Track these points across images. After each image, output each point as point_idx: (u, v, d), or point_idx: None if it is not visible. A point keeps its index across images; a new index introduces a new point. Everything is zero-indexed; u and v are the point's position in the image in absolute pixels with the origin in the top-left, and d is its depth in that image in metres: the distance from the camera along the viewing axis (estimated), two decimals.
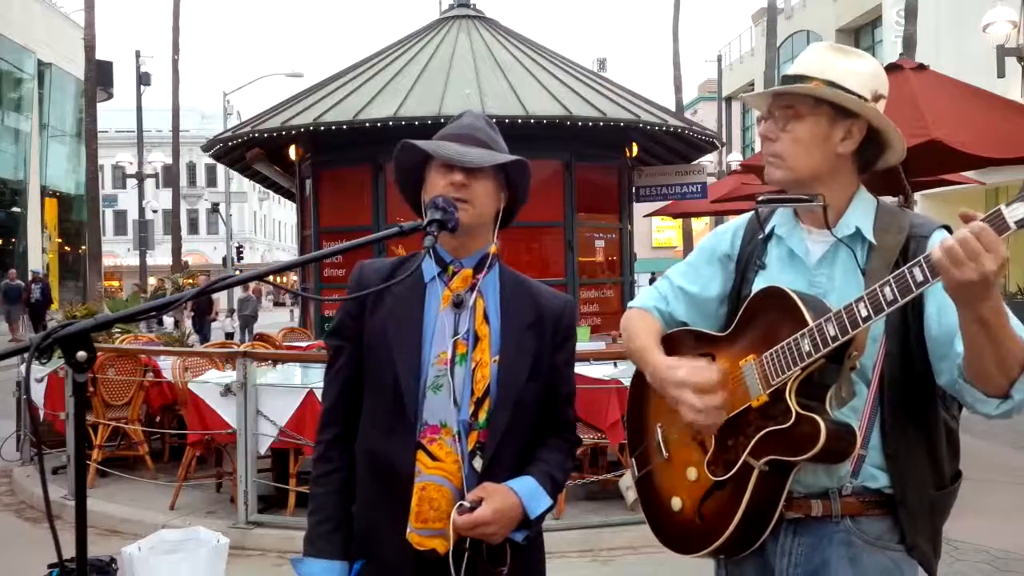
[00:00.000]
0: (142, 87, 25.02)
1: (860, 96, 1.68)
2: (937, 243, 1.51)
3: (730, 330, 1.77)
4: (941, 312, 1.59)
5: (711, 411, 1.67)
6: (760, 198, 1.80)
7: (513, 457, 1.80)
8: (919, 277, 1.45)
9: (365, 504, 1.81)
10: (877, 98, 1.71)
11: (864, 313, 1.51)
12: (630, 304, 2.02)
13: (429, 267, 1.83)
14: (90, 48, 18.84)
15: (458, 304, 1.79)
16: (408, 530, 1.72)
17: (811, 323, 1.57)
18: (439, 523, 1.70)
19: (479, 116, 1.91)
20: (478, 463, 1.75)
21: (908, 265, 1.47)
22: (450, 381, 1.75)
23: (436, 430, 1.74)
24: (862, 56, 1.75)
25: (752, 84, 31.70)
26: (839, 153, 1.71)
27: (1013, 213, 1.36)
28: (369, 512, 1.80)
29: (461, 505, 1.70)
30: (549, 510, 1.80)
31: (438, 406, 1.75)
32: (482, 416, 1.75)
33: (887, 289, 1.48)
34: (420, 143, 1.82)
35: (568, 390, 1.94)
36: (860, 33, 26.15)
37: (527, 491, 1.75)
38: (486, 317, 1.80)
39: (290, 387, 5.55)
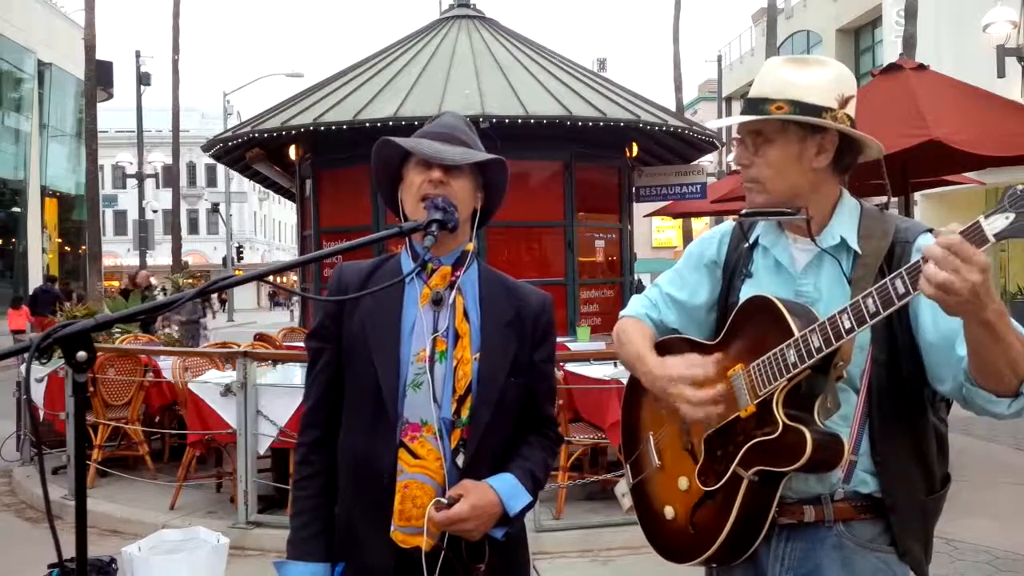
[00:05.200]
0: (142, 87, 25.02)
1: (825, 107, 1.67)
2: (923, 247, 1.50)
3: (719, 339, 1.77)
4: (937, 318, 1.57)
5: (707, 404, 1.68)
6: (743, 212, 1.80)
7: (495, 454, 1.81)
8: (900, 290, 1.44)
9: (347, 504, 1.82)
10: (845, 102, 1.69)
11: (847, 325, 1.51)
12: (621, 313, 2.03)
13: (407, 265, 1.84)
14: (90, 48, 18.80)
15: (437, 301, 1.80)
16: (392, 528, 1.73)
17: (796, 333, 1.57)
18: (423, 521, 1.71)
19: (458, 116, 1.93)
20: (461, 460, 1.76)
21: (890, 277, 1.46)
22: (429, 379, 1.75)
23: (417, 428, 1.75)
24: (821, 63, 1.73)
25: (752, 84, 31.63)
26: (815, 168, 1.70)
27: (992, 225, 1.35)
28: (351, 512, 1.81)
29: (439, 501, 1.71)
30: (529, 507, 1.82)
31: (418, 404, 1.76)
32: (464, 413, 1.76)
33: (869, 301, 1.48)
34: (399, 140, 1.83)
35: (548, 386, 1.95)
36: (860, 33, 26.12)
37: (506, 488, 1.77)
38: (466, 314, 1.81)
39: (290, 387, 5.54)
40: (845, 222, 1.73)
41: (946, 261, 1.34)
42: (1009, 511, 5.65)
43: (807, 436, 1.55)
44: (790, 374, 1.58)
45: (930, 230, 1.68)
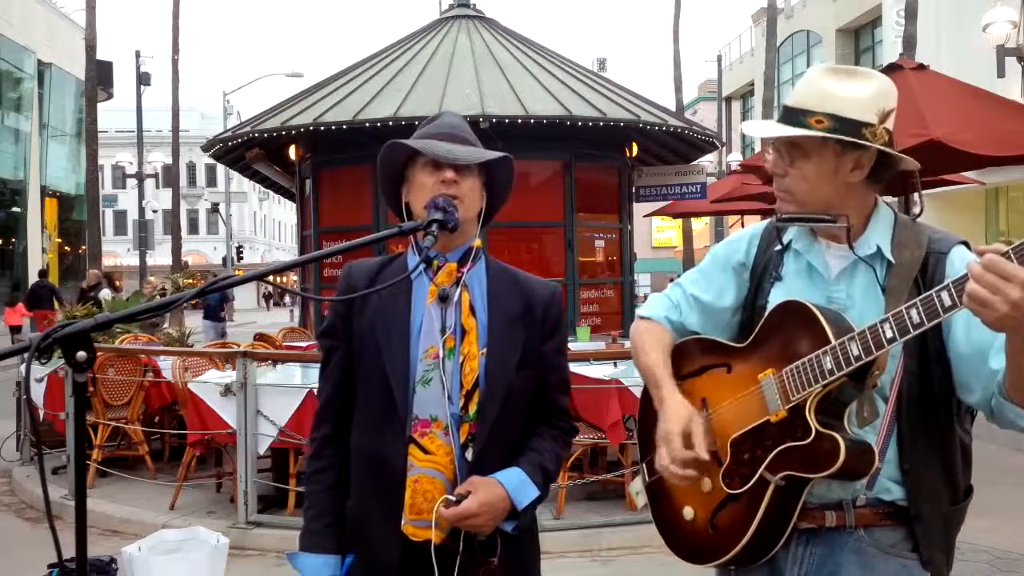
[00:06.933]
0: (142, 87, 24.99)
1: (865, 123, 1.64)
2: (956, 260, 1.49)
3: (748, 342, 1.75)
4: (970, 330, 1.57)
5: (675, 476, 1.70)
6: (780, 216, 1.77)
7: (505, 447, 1.82)
8: (947, 302, 1.43)
9: (358, 499, 1.84)
10: (885, 116, 1.67)
11: (889, 335, 1.50)
12: (639, 312, 1.99)
13: (414, 262, 1.84)
14: (91, 48, 18.82)
15: (443, 298, 1.81)
16: (403, 522, 1.75)
17: (833, 340, 1.56)
18: (432, 514, 1.73)
19: (458, 116, 1.95)
20: (470, 454, 1.78)
21: (936, 289, 1.45)
22: (441, 375, 1.77)
23: (427, 424, 1.78)
24: (865, 76, 1.70)
25: (752, 84, 31.69)
26: (849, 183, 1.68)
27: None
28: (362, 506, 1.83)
29: (447, 499, 1.72)
30: (539, 500, 1.82)
31: (428, 400, 1.78)
32: (472, 408, 1.78)
33: (913, 312, 1.47)
34: (410, 142, 1.85)
35: (560, 378, 1.95)
36: (860, 33, 26.11)
37: (514, 483, 1.78)
38: (472, 310, 1.83)
39: (290, 387, 5.56)
40: (880, 231, 1.72)
41: (985, 278, 1.35)
42: (1009, 511, 5.64)
43: (840, 443, 1.54)
44: (825, 381, 1.57)
45: (964, 242, 1.68)
